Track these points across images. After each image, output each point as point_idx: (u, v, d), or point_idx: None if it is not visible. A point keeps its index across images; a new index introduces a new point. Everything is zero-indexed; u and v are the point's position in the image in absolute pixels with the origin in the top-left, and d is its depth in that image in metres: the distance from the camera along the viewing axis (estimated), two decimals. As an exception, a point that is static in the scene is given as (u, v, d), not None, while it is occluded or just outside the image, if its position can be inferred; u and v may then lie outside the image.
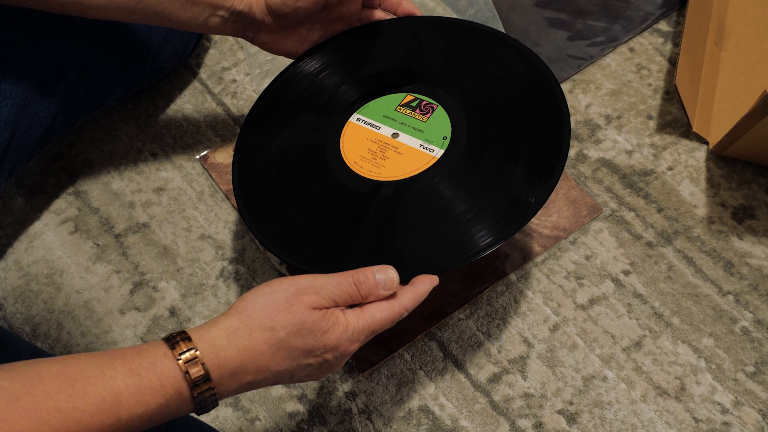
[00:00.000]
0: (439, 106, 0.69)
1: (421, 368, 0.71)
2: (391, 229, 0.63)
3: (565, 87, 0.87)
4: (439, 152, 0.66)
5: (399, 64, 0.73)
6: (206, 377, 0.49)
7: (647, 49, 0.89)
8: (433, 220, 0.63)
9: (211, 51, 0.94)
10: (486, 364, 0.71)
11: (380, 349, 0.72)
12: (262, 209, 0.67)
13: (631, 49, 0.89)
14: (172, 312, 0.76)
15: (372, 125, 0.70)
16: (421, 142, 0.68)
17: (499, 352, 0.71)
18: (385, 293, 0.56)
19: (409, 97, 0.71)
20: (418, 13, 0.75)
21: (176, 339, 0.50)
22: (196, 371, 0.49)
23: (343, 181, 0.67)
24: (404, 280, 0.58)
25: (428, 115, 0.69)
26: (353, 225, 0.64)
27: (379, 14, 0.75)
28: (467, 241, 0.61)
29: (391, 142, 0.68)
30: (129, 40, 0.81)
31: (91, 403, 0.46)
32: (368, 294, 0.55)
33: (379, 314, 0.55)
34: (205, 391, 0.49)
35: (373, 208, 0.65)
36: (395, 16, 0.75)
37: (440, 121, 0.68)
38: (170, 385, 0.48)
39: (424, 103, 0.70)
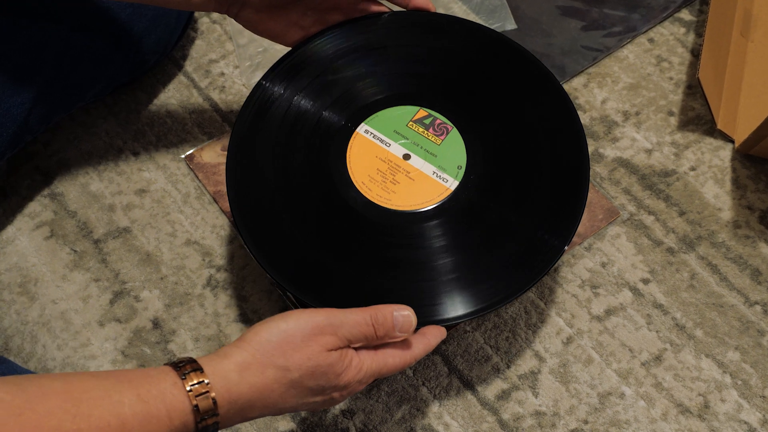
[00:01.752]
0: (454, 128, 0.70)
1: (424, 384, 0.71)
2: (401, 269, 0.64)
3: (579, 80, 0.87)
4: (453, 183, 0.67)
5: (412, 70, 0.73)
6: (214, 412, 0.51)
7: (668, 39, 0.90)
8: (447, 262, 0.64)
9: (198, 42, 0.95)
10: (494, 380, 0.71)
11: (380, 363, 0.72)
12: (263, 230, 0.67)
13: (651, 40, 0.90)
14: (156, 324, 0.76)
15: (382, 141, 0.70)
16: (434, 168, 0.68)
17: (509, 367, 0.71)
18: (401, 336, 0.58)
19: (423, 113, 0.71)
20: (432, 8, 0.74)
21: (186, 368, 0.51)
22: (205, 405, 0.50)
23: (352, 206, 0.67)
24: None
25: (443, 137, 0.69)
26: (361, 257, 0.65)
27: (379, 8, 0.75)
28: (483, 290, 0.63)
29: (402, 164, 0.69)
30: (110, 30, 0.81)
31: (95, 426, 0.46)
32: (384, 335, 0.57)
33: (391, 360, 0.57)
34: (210, 425, 0.51)
35: (383, 243, 0.66)
36: (405, 9, 0.75)
37: (455, 146, 0.69)
38: (178, 417, 0.50)
39: (438, 122, 0.70)
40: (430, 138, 0.70)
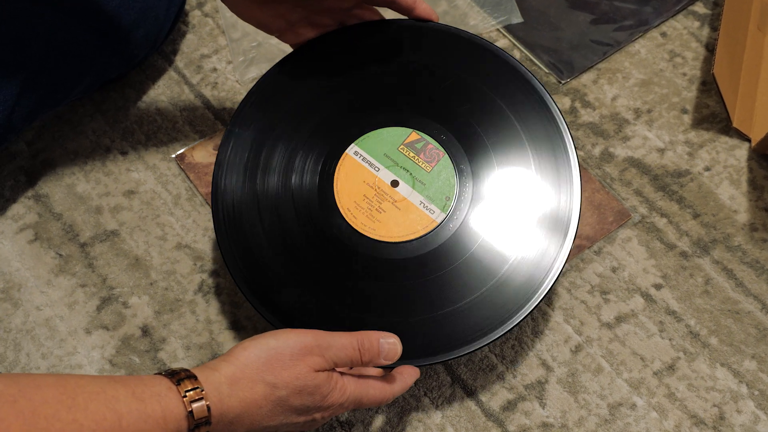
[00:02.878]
0: (446, 155, 0.71)
1: (426, 395, 0.71)
2: (377, 302, 0.67)
3: (588, 76, 0.87)
4: (439, 215, 0.69)
5: (407, 88, 0.73)
6: (207, 420, 0.53)
7: (682, 33, 0.90)
8: (430, 298, 0.66)
9: (189, 36, 0.95)
10: (499, 390, 0.71)
11: (380, 373, 0.72)
12: (242, 247, 0.70)
13: (664, 34, 0.90)
14: (145, 331, 0.76)
15: (371, 165, 0.71)
16: (421, 198, 0.69)
17: (515, 376, 0.72)
18: (385, 363, 0.61)
19: (415, 136, 0.72)
20: (436, 18, 0.75)
21: (181, 375, 0.53)
22: (200, 412, 0.52)
23: (336, 234, 0.69)
24: (391, 366, 0.63)
25: (433, 165, 0.70)
26: (343, 290, 0.67)
27: (374, 15, 0.76)
28: (467, 327, 0.65)
29: (389, 191, 0.70)
30: (96, 23, 0.81)
31: (92, 419, 0.48)
32: (369, 361, 0.60)
33: (372, 391, 0.60)
34: None
35: (368, 278, 0.68)
36: (406, 18, 0.75)
37: (445, 174, 0.70)
38: (173, 420, 0.51)
39: (430, 147, 0.71)
40: (420, 164, 0.71)
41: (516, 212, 0.68)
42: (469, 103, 0.72)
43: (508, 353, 0.72)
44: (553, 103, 0.70)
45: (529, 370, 0.72)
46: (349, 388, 0.59)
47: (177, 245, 0.81)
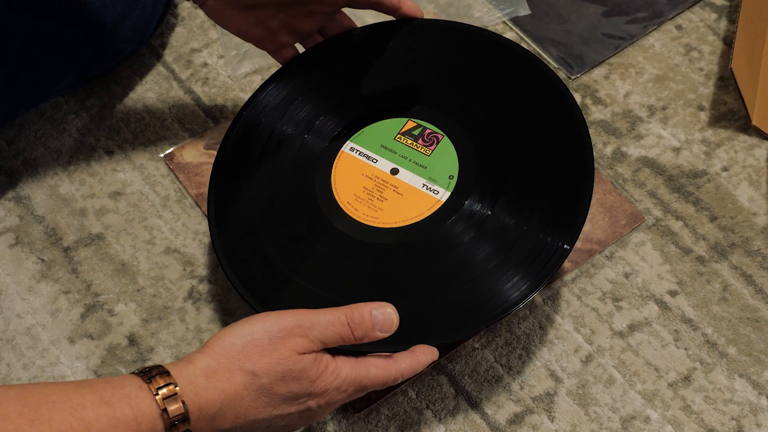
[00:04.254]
0: (445, 137, 0.73)
1: (428, 407, 0.72)
2: (392, 288, 0.67)
3: (599, 72, 0.88)
4: (444, 194, 0.70)
5: (398, 82, 0.76)
6: (185, 417, 0.52)
7: (698, 26, 0.90)
8: (440, 277, 0.67)
9: (178, 29, 0.95)
10: (506, 403, 0.71)
11: (379, 384, 0.72)
12: (240, 249, 0.71)
13: (679, 27, 0.90)
14: (132, 340, 0.77)
15: (368, 157, 0.73)
16: (424, 181, 0.71)
17: (522, 388, 0.72)
18: (382, 335, 0.59)
19: (411, 124, 0.74)
20: (421, 14, 0.78)
21: (152, 372, 0.53)
22: (175, 409, 0.51)
23: (336, 226, 0.70)
24: (404, 348, 0.62)
25: (432, 147, 0.72)
26: (344, 281, 0.68)
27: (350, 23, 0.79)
28: (487, 300, 0.65)
29: (390, 179, 0.72)
30: (80, 16, 0.81)
31: (57, 429, 0.47)
32: (363, 336, 0.58)
33: (374, 370, 0.59)
34: None
35: (370, 262, 0.68)
36: (393, 18, 0.78)
37: (446, 156, 0.72)
38: (146, 422, 0.50)
39: (428, 132, 0.73)
40: (419, 149, 0.72)
41: (525, 183, 0.69)
42: (468, 87, 0.74)
43: (515, 363, 0.73)
44: (552, 72, 0.73)
45: (537, 381, 0.72)
46: (343, 370, 0.57)
47: (166, 249, 0.81)
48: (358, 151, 0.74)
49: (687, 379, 0.71)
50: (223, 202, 0.73)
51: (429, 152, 0.72)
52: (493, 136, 0.72)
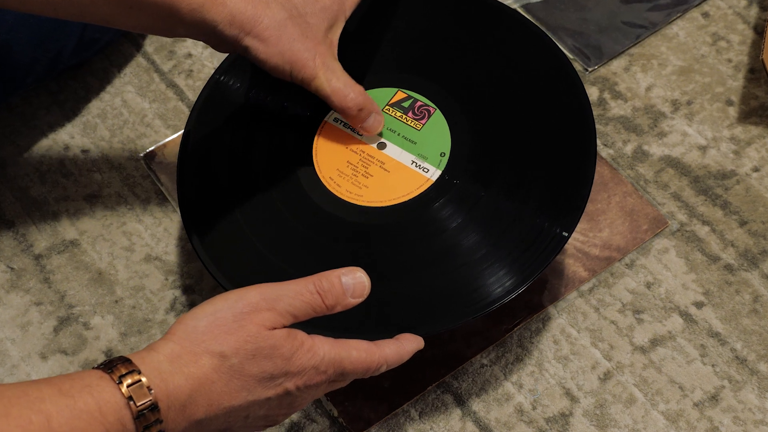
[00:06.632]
0: (437, 110, 0.72)
1: (432, 429, 0.72)
2: (376, 271, 0.66)
3: (619, 63, 0.88)
4: (435, 173, 0.70)
5: (389, 50, 0.76)
6: (154, 405, 0.52)
7: (726, 14, 0.90)
8: (427, 263, 0.67)
9: (160, 16, 0.95)
10: (517, 425, 0.71)
11: (379, 404, 0.72)
12: (214, 231, 0.71)
13: (706, 15, 0.90)
14: (109, 355, 0.77)
15: (354, 129, 0.73)
16: (413, 157, 0.71)
17: (534, 408, 0.72)
18: (355, 301, 0.60)
19: (401, 95, 0.74)
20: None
21: (113, 363, 0.53)
22: (141, 396, 0.52)
23: (317, 203, 0.70)
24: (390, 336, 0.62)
25: (423, 121, 0.72)
26: (324, 261, 0.67)
27: None
28: (476, 289, 0.65)
29: (376, 154, 0.72)
30: None
31: (16, 425, 0.48)
32: (335, 304, 0.59)
33: (356, 353, 0.59)
34: (152, 425, 0.52)
35: (354, 243, 0.69)
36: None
37: (438, 131, 0.72)
38: (111, 411, 0.51)
39: (419, 104, 0.73)
40: (409, 123, 0.72)
41: (522, 163, 0.69)
42: (464, 59, 0.74)
43: (527, 381, 0.73)
44: (556, 46, 0.74)
45: (551, 400, 0.72)
46: (321, 348, 0.57)
47: (146, 257, 0.81)
48: (342, 122, 0.73)
49: (714, 398, 0.71)
50: (194, 177, 0.73)
51: (419, 126, 0.72)
52: (490, 111, 0.72)
